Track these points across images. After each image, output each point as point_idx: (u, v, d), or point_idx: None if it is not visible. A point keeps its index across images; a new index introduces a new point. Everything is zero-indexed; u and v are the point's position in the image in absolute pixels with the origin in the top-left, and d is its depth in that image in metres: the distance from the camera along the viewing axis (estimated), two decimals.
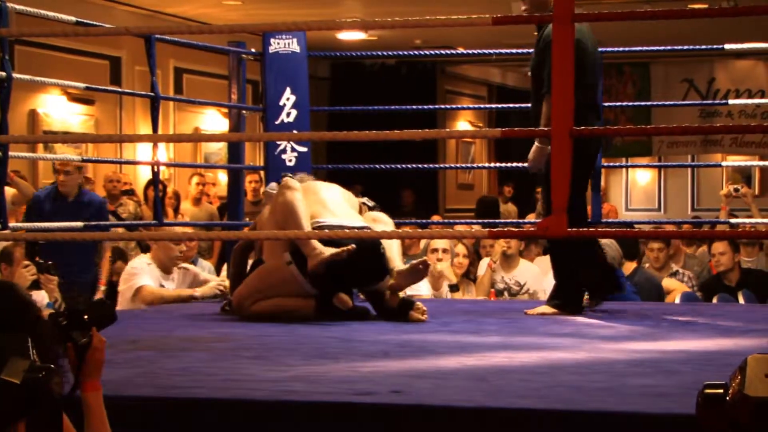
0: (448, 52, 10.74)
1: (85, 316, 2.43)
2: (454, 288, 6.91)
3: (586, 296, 5.65)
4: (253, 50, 7.38)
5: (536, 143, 5.42)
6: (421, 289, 6.89)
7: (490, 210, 10.43)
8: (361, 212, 5.67)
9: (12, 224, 5.85)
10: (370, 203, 5.77)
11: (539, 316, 5.45)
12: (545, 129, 3.87)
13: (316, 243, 5.04)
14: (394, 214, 5.82)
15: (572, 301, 5.51)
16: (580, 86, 4.46)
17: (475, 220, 10.12)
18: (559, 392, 3.18)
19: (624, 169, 16.84)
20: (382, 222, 5.57)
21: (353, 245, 5.00)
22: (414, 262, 5.29)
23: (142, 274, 6.32)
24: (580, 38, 5.17)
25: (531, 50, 5.62)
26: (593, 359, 3.92)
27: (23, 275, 6.15)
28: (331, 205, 5.43)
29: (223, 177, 11.43)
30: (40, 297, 6.15)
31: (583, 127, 4.66)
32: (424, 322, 5.15)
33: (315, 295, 5.20)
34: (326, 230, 5.08)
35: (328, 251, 5.00)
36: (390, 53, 8.27)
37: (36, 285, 6.23)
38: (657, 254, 7.83)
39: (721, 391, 1.80)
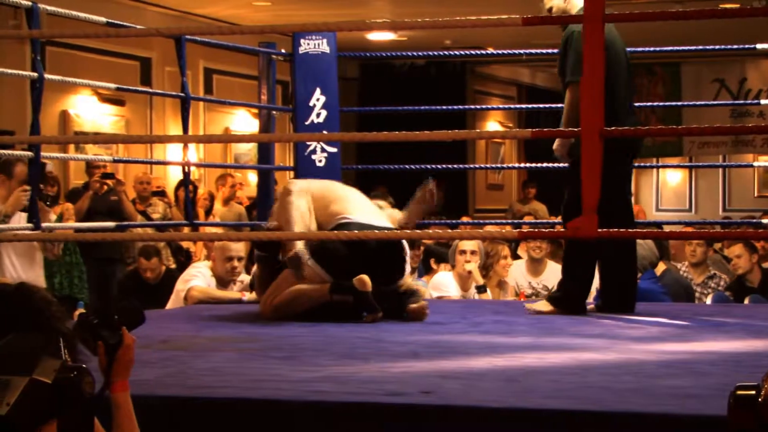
0: (478, 52, 10.73)
1: (115, 316, 2.45)
2: (481, 289, 6.90)
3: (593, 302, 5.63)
4: (283, 51, 7.39)
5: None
6: (450, 290, 6.89)
7: None
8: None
9: (44, 224, 5.89)
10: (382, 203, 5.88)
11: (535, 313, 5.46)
12: (575, 130, 3.85)
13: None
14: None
15: (571, 300, 5.47)
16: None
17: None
18: (589, 393, 3.17)
19: (654, 170, 16.76)
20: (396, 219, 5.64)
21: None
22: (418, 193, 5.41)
23: (200, 277, 6.33)
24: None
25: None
26: (623, 360, 3.90)
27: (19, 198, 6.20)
28: (357, 203, 5.51)
29: (253, 177, 11.45)
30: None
31: (614, 128, 4.63)
32: (421, 321, 5.20)
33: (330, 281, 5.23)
34: (348, 231, 5.10)
35: (299, 248, 5.18)
36: (419, 54, 8.26)
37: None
38: (695, 248, 7.74)
39: (753, 392, 1.78)
